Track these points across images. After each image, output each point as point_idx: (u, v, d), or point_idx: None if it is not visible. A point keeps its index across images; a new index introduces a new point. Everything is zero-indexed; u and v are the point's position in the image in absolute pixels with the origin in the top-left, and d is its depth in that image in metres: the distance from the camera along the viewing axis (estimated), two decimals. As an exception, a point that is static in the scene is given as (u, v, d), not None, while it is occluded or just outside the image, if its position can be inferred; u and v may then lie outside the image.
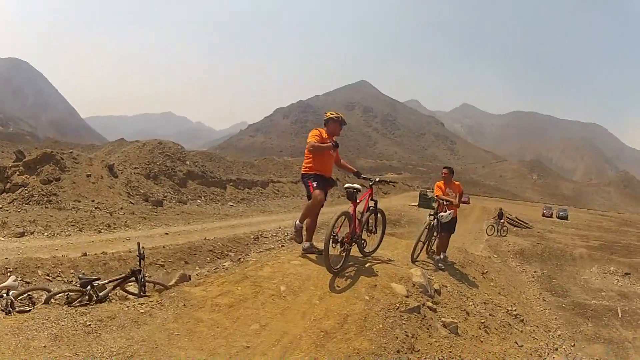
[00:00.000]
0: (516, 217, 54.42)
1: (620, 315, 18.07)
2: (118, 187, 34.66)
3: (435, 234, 13.88)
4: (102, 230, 24.84)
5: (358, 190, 9.67)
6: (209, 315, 7.40)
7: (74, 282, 14.79)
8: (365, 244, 10.23)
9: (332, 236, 8.90)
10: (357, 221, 9.70)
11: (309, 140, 9.80)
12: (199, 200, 41.59)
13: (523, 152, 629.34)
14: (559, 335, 14.00)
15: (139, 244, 9.53)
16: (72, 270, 16.18)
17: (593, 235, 51.50)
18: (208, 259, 20.50)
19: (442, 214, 13.53)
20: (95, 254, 18.42)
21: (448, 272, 12.87)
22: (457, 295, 11.14)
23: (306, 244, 10.15)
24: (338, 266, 9.11)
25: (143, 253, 9.31)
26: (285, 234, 27.75)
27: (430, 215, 13.97)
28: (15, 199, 29.07)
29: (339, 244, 9.27)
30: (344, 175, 50.68)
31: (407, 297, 8.75)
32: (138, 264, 9.13)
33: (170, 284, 10.45)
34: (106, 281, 8.86)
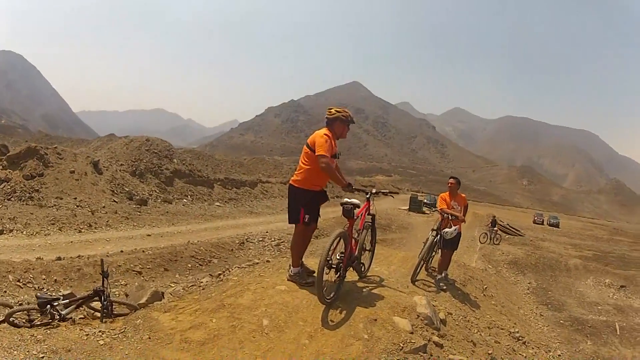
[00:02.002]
0: (508, 224, 54.10)
1: (618, 332, 17.98)
2: (102, 184, 33.67)
3: (436, 250, 12.79)
4: (83, 230, 23.87)
5: (357, 206, 8.16)
6: (176, 355, 6.24)
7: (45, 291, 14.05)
8: (363, 267, 9.27)
9: (327, 261, 7.51)
10: (353, 241, 8.43)
11: (321, 152, 7.96)
12: (185, 200, 40.56)
13: (514, 157, 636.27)
14: (559, 356, 13.51)
15: (102, 260, 8.59)
16: (43, 276, 15.19)
17: (586, 244, 51.96)
18: (189, 265, 19.71)
19: (446, 230, 12.25)
20: (71, 258, 17.40)
21: (450, 293, 11.91)
22: (462, 322, 10.09)
23: (293, 270, 8.71)
24: (331, 295, 7.80)
25: (107, 271, 8.25)
26: (272, 239, 26.71)
27: (432, 230, 12.75)
28: None
29: (333, 270, 7.90)
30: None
31: (411, 333, 7.51)
32: (101, 283, 8.12)
33: (140, 302, 9.38)
34: (66, 301, 7.93)
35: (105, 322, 7.46)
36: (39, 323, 7.46)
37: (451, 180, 13.10)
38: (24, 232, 21.83)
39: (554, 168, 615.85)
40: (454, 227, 12.25)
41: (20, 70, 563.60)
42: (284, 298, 7.94)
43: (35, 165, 30.60)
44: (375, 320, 7.52)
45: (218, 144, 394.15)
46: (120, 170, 38.12)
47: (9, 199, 27.25)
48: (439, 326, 8.52)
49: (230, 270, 11.48)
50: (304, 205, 8.31)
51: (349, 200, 8.07)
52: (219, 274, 11.44)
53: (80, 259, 17.34)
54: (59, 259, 17.02)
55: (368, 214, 9.03)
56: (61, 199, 28.69)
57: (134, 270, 17.47)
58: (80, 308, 8.42)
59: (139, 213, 30.69)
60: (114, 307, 8.35)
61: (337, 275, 8.03)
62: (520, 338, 11.86)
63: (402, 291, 9.48)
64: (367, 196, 9.07)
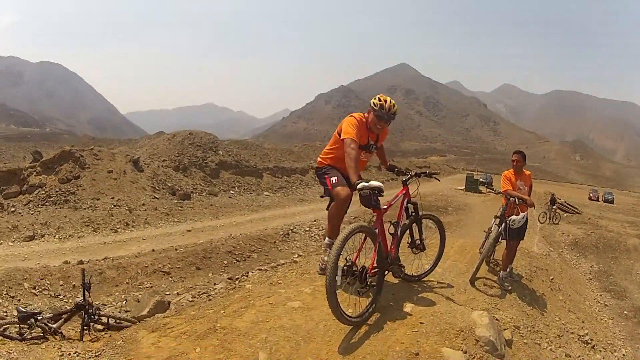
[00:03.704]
0: (565, 202, 52.25)
1: (682, 323, 16.51)
2: (142, 181, 32.88)
3: (500, 241, 10.24)
4: (119, 230, 23.36)
5: (379, 191, 5.91)
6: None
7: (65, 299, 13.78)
8: (403, 270, 7.09)
9: (345, 267, 5.76)
10: (386, 238, 6.62)
11: (345, 136, 6.58)
12: (232, 191, 39.80)
13: (564, 132, 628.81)
14: (623, 355, 11.93)
15: (83, 271, 7.17)
16: (61, 282, 14.53)
17: (642, 221, 49.55)
18: (225, 262, 18.62)
19: (513, 217, 9.70)
20: (96, 260, 16.70)
21: (516, 294, 9.64)
22: (530, 337, 7.97)
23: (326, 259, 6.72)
24: (358, 314, 5.98)
25: (89, 283, 6.89)
26: (320, 228, 25.12)
27: (495, 217, 10.32)
28: (31, 200, 27.66)
29: (358, 280, 6.00)
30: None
31: (466, 370, 5.57)
32: (82, 296, 6.84)
33: (142, 313, 8.10)
34: (49, 316, 6.83)
35: (90, 339, 6.41)
36: (29, 337, 6.54)
37: (515, 157, 10.57)
38: (56, 236, 21.43)
39: (604, 142, 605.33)
40: (522, 214, 9.75)
41: (61, 79, 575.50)
42: (294, 320, 6.17)
43: (71, 169, 30.09)
44: (417, 354, 5.48)
45: (270, 134, 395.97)
46: (162, 166, 37.36)
47: (43, 204, 26.85)
48: (504, 351, 6.41)
49: (251, 272, 10.02)
50: (326, 173, 6.95)
51: (366, 184, 5.86)
52: (237, 278, 10.05)
53: (105, 261, 16.63)
54: (80, 262, 16.33)
55: (408, 202, 7.23)
56: (98, 199, 27.95)
57: (162, 271, 16.56)
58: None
59: (180, 208, 29.93)
60: (115, 321, 7.26)
61: (362, 286, 6.13)
62: (589, 341, 10.26)
63: (458, 301, 7.33)
64: (405, 180, 7.28)
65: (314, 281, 7.31)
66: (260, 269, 9.94)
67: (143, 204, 28.78)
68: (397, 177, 7.54)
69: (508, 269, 10.28)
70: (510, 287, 9.70)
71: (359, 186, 5.83)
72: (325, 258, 6.90)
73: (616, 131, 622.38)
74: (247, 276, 9.69)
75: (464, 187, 63.59)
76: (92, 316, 6.68)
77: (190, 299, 8.99)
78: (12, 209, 26.33)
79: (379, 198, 6.05)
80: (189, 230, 23.76)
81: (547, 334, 8.84)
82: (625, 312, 17.10)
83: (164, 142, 43.96)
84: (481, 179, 72.50)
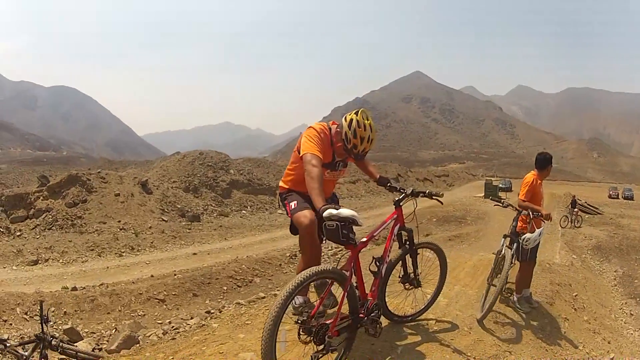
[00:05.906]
0: (586, 202, 51.37)
1: None
2: (151, 204, 32.48)
3: (513, 263, 7.97)
4: (124, 254, 23.20)
5: (352, 222, 4.43)
6: None
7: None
8: (378, 327, 5.02)
9: (299, 323, 4.34)
10: (363, 282, 5.02)
11: (304, 151, 5.24)
12: (243, 211, 39.35)
13: (580, 130, 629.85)
14: None
15: (41, 303, 6.63)
16: (53, 309, 14.27)
17: (663, 218, 48.88)
18: (225, 288, 17.92)
19: (527, 236, 7.67)
20: (92, 286, 16.58)
21: (532, 329, 7.73)
22: None
23: (299, 299, 5.31)
24: None
25: (47, 315, 6.30)
26: (330, 247, 22.59)
27: (505, 237, 8.11)
28: (38, 224, 27.63)
29: (313, 339, 4.32)
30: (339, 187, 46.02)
31: None
32: (41, 328, 6.29)
33: (112, 347, 7.60)
34: (16, 343, 6.33)
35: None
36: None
37: (543, 156, 8.80)
38: (60, 261, 21.62)
39: (620, 137, 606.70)
40: (537, 230, 7.79)
41: (75, 102, 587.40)
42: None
43: (78, 192, 29.97)
44: None
45: (288, 150, 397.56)
46: (172, 188, 37.01)
47: (49, 229, 26.84)
48: None
49: (228, 306, 9.32)
50: (285, 200, 5.59)
51: (334, 212, 4.37)
52: (212, 313, 9.26)
53: (100, 287, 16.48)
54: (74, 288, 16.26)
55: (401, 229, 5.71)
56: (104, 223, 27.79)
57: (156, 298, 16.12)
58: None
59: (188, 230, 29.46)
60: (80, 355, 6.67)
61: (322, 348, 4.38)
62: (618, 368, 8.77)
63: (459, 348, 5.88)
64: (397, 200, 5.74)
65: (283, 324, 5.83)
66: (238, 303, 9.06)
67: (150, 227, 28.45)
68: (389, 193, 6.00)
69: (523, 292, 8.60)
70: (529, 310, 8.29)
71: (324, 214, 4.43)
72: (300, 299, 5.40)
73: (631, 124, 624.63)
74: (221, 311, 8.82)
75: (483, 195, 62.22)
76: (56, 348, 6.20)
77: (161, 334, 8.34)
78: (19, 233, 26.43)
79: (355, 229, 4.54)
80: (194, 254, 23.40)
81: (574, 374, 7.18)
82: (651, 321, 16.24)
83: (174, 163, 43.68)
84: (500, 185, 71.96)
